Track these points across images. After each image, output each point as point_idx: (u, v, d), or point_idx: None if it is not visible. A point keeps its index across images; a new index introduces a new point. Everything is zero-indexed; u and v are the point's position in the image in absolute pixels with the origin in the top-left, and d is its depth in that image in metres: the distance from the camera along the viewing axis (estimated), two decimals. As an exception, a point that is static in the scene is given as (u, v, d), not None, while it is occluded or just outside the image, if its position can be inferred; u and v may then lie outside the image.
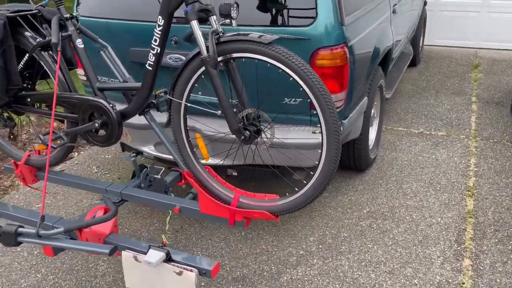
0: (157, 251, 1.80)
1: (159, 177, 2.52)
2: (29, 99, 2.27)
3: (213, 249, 2.74)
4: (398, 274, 2.47)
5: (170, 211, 2.25)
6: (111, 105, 2.08)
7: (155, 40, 1.90)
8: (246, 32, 1.75)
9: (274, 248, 2.73)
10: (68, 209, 3.22)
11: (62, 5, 2.09)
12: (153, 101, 2.16)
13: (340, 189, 3.32)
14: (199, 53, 1.81)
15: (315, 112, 1.73)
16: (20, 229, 1.92)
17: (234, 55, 1.77)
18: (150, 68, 1.96)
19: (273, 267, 2.56)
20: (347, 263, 2.57)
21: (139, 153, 3.00)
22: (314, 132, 2.54)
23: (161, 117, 2.36)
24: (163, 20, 1.86)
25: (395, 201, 3.13)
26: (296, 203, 1.89)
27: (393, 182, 3.36)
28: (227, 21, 1.82)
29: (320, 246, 2.73)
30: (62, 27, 2.10)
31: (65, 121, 2.31)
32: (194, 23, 1.76)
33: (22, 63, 2.21)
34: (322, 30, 2.37)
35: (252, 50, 1.72)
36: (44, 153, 2.50)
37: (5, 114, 2.40)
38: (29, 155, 2.48)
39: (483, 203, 3.07)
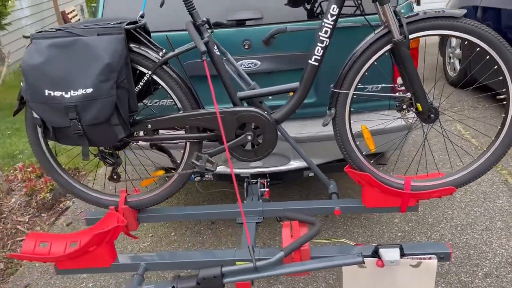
0: (389, 249, 1.69)
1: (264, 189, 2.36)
2: (149, 125, 1.90)
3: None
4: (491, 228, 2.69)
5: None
6: (266, 112, 1.88)
7: (325, 32, 1.78)
8: (433, 10, 1.76)
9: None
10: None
11: (194, 9, 1.81)
12: None
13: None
14: (380, 37, 1.76)
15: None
16: (225, 269, 1.62)
17: (422, 33, 1.75)
18: (316, 64, 1.82)
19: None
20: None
21: (202, 175, 2.73)
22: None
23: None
24: (337, 9, 1.75)
25: None
26: (479, 172, 1.94)
27: None
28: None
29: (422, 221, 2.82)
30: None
31: (187, 145, 1.99)
32: (387, 7, 1.70)
33: (140, 84, 1.84)
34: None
35: (445, 26, 1.74)
36: (146, 189, 2.11)
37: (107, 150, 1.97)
38: (126, 195, 2.08)
39: None
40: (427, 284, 1.72)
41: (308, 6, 2.44)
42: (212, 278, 1.60)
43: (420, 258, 1.69)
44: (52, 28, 1.75)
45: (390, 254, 1.66)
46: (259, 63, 2.49)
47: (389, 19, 1.71)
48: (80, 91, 1.64)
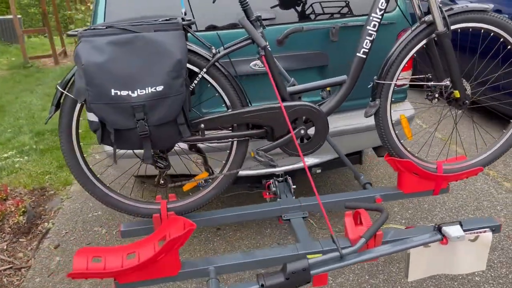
0: (451, 226, 1.79)
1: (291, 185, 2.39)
2: (202, 125, 1.83)
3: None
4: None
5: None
6: (316, 104, 1.91)
7: (374, 26, 1.87)
8: (465, 4, 1.92)
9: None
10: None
11: (248, 5, 1.79)
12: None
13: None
14: (422, 30, 1.88)
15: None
16: (312, 260, 1.61)
17: (458, 26, 1.91)
18: (364, 56, 1.90)
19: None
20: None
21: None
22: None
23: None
24: (385, 4, 1.85)
25: None
26: (500, 153, 2.14)
27: None
28: None
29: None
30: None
31: (234, 144, 1.95)
32: (433, 1, 1.82)
33: (193, 84, 1.77)
34: (402, 14, 2.64)
35: (476, 19, 1.90)
36: (190, 193, 2.01)
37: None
38: (166, 202, 1.97)
39: None
40: (482, 256, 1.85)
41: (299, 8, 2.51)
42: (301, 271, 1.58)
43: (477, 232, 1.82)
44: (102, 25, 1.64)
45: (454, 231, 1.77)
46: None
47: (435, 12, 1.83)
48: (149, 89, 1.55)
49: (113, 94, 1.53)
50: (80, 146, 1.86)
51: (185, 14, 1.83)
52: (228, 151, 1.97)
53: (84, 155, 1.88)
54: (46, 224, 3.24)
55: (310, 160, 2.63)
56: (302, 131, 1.90)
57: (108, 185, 1.96)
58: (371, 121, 2.63)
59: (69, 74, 1.74)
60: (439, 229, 1.80)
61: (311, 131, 1.95)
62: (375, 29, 1.87)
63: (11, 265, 2.81)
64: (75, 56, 1.58)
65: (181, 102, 1.61)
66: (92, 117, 1.61)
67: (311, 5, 2.49)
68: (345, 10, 2.52)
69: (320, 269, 1.60)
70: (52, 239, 3.04)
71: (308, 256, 1.76)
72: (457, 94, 1.97)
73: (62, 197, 3.60)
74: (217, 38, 1.99)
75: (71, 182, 3.81)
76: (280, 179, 2.42)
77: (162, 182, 1.90)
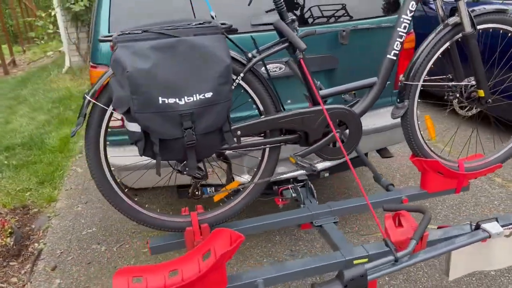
0: (489, 223, 1.82)
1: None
2: (239, 132, 1.76)
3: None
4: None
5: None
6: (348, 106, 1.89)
7: (404, 28, 1.88)
8: (487, 7, 1.97)
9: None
10: None
11: (283, 7, 1.74)
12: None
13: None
14: (453, 27, 1.90)
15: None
16: (368, 265, 1.58)
17: (483, 26, 1.95)
18: (394, 58, 1.91)
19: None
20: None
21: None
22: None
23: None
24: (415, 5, 1.86)
25: None
26: (515, 149, 2.21)
27: None
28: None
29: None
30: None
31: (266, 151, 1.89)
32: (462, 3, 1.85)
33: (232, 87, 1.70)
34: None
35: (502, 21, 1.96)
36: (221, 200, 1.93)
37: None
38: (196, 214, 1.89)
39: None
40: (515, 250, 1.90)
41: (308, 11, 2.51)
42: (359, 277, 1.55)
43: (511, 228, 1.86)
44: (137, 29, 1.53)
45: (493, 227, 1.80)
46: (284, 67, 2.47)
47: (463, 14, 1.87)
48: (197, 97, 1.47)
49: (160, 102, 1.43)
50: (107, 160, 1.74)
51: (215, 17, 1.76)
52: (261, 158, 1.91)
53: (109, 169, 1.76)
54: (36, 244, 3.03)
55: (321, 164, 2.61)
56: (338, 134, 1.87)
57: (135, 199, 1.85)
58: (377, 123, 2.66)
59: (98, 83, 1.62)
60: (477, 227, 1.82)
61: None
62: (405, 31, 1.88)
63: (6, 292, 2.60)
64: (113, 63, 1.47)
65: (228, 108, 1.54)
66: (134, 127, 1.51)
67: (318, 8, 2.48)
68: (355, 12, 2.52)
69: (376, 274, 1.57)
70: (47, 261, 2.84)
71: (355, 262, 1.73)
72: (481, 93, 2.01)
73: (48, 215, 3.37)
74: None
75: (56, 199, 3.59)
76: (299, 184, 2.38)
77: (197, 192, 1.81)
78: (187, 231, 1.84)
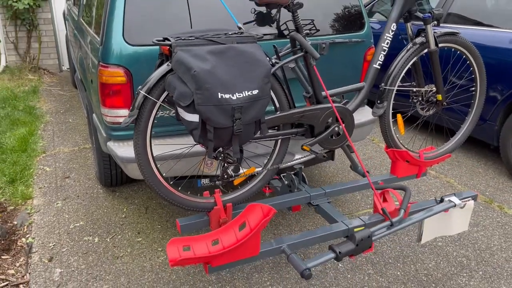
0: (451, 197, 2.35)
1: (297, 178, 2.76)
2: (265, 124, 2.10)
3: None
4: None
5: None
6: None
7: (387, 43, 2.36)
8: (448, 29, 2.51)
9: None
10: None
11: (300, 23, 2.12)
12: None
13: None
14: (420, 45, 2.42)
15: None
16: (373, 228, 2.01)
17: (442, 45, 2.49)
18: (378, 67, 2.38)
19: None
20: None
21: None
22: None
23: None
24: (396, 27, 2.34)
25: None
26: (460, 142, 2.79)
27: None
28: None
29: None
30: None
31: (278, 141, 2.26)
32: (429, 27, 2.37)
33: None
34: (369, 33, 3.21)
35: (454, 41, 2.51)
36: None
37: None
38: (220, 196, 2.20)
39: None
40: (466, 219, 2.44)
41: (274, 26, 2.92)
42: (367, 238, 1.97)
43: (466, 201, 2.41)
44: (187, 36, 1.84)
45: (455, 200, 2.33)
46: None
47: (430, 35, 2.39)
48: (246, 93, 1.80)
49: (219, 97, 1.75)
50: (151, 148, 2.00)
51: (241, 28, 2.10)
52: (273, 147, 2.28)
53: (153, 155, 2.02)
54: (24, 239, 3.09)
55: (296, 157, 3.00)
56: (337, 128, 2.29)
57: (171, 183, 2.12)
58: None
59: (151, 79, 1.88)
60: (441, 200, 2.34)
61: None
62: (388, 46, 2.36)
63: (6, 282, 2.67)
64: (177, 63, 1.75)
65: (267, 103, 1.89)
66: (192, 117, 1.80)
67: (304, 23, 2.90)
68: (333, 28, 2.98)
69: (380, 235, 2.01)
70: (41, 253, 2.93)
71: (355, 230, 2.16)
72: (439, 97, 2.56)
73: (28, 212, 3.42)
74: None
75: (31, 196, 3.62)
76: (292, 172, 2.76)
77: (226, 176, 2.12)
78: (214, 210, 2.14)
